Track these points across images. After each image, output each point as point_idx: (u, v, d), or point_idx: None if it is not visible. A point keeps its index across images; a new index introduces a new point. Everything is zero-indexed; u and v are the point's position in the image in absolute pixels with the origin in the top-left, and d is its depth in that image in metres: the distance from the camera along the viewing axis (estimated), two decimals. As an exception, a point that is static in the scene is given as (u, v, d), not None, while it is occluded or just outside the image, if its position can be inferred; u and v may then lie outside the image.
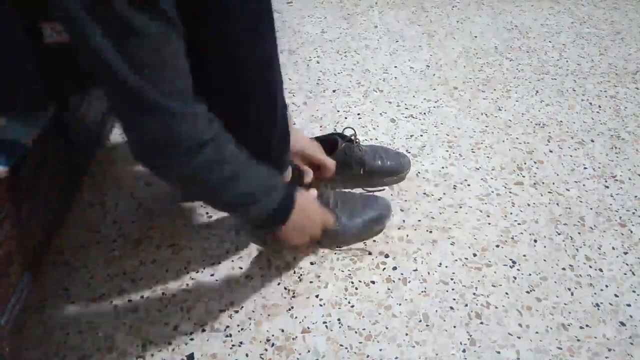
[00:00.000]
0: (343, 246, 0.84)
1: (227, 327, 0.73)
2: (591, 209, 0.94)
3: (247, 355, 0.70)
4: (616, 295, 0.79)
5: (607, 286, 0.80)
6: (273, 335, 0.72)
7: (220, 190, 0.59)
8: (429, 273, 0.81)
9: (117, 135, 1.08)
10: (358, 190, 0.95)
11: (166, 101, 0.50)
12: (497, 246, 0.86)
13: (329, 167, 0.86)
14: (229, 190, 0.60)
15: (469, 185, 0.99)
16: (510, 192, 0.97)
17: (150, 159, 0.55)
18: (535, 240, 0.88)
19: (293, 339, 0.72)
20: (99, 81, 0.50)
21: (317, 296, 0.77)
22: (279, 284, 0.79)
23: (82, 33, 0.46)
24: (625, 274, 0.83)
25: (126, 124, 0.53)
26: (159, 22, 0.47)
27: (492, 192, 0.97)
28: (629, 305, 0.78)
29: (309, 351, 0.70)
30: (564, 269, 0.83)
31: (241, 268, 0.81)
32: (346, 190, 0.90)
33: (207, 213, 0.91)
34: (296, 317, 0.74)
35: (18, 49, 0.61)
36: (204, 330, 0.73)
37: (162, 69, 0.49)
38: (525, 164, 1.04)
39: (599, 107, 1.22)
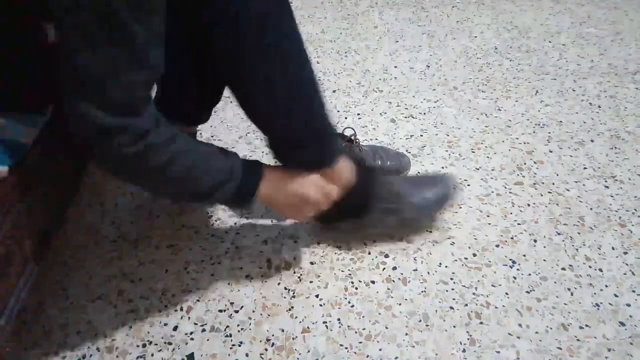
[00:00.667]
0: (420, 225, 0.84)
1: (227, 327, 0.73)
2: (591, 209, 0.94)
3: (247, 355, 0.69)
4: (616, 295, 0.79)
5: (606, 286, 0.80)
6: (273, 335, 0.72)
7: (177, 188, 0.61)
8: (428, 273, 0.81)
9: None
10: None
11: (107, 120, 0.51)
12: (497, 246, 0.86)
13: None
14: (185, 186, 0.61)
15: (468, 185, 0.99)
16: (510, 192, 0.97)
17: (97, 158, 0.58)
18: (535, 240, 0.88)
19: (293, 338, 0.72)
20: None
21: (317, 296, 0.77)
22: (279, 283, 0.79)
23: (63, 33, 0.47)
24: (625, 274, 0.83)
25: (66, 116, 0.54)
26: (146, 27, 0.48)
27: (492, 192, 0.97)
28: (628, 305, 0.78)
29: (309, 351, 0.70)
30: (563, 269, 0.83)
31: (241, 268, 0.81)
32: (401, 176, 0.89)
33: (206, 213, 0.91)
34: (296, 317, 0.74)
35: (20, 48, 0.61)
36: (204, 330, 0.73)
37: (111, 80, 0.50)
38: (525, 164, 1.04)
39: (599, 107, 1.22)
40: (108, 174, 0.68)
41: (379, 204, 0.78)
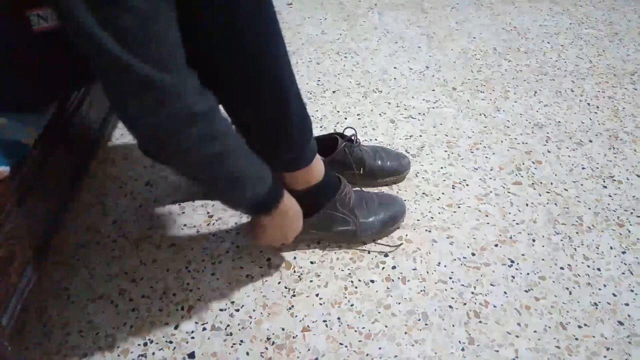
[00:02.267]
0: (362, 245, 0.85)
1: (228, 325, 0.73)
2: (589, 208, 0.95)
3: (247, 353, 0.70)
4: (614, 295, 0.79)
5: (605, 285, 0.81)
6: (273, 334, 0.72)
7: (209, 167, 0.59)
8: (428, 272, 0.82)
9: (117, 135, 1.09)
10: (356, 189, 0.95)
11: (155, 74, 0.49)
12: (496, 246, 0.87)
13: None
14: (217, 167, 0.59)
15: (467, 185, 0.99)
16: (508, 192, 0.98)
17: (143, 134, 0.56)
18: (534, 240, 0.88)
19: (293, 337, 0.72)
20: (91, 61, 0.50)
21: (317, 295, 0.78)
22: (279, 283, 0.79)
23: (68, 11, 0.46)
24: (623, 273, 0.83)
25: (117, 102, 0.53)
26: None
27: (491, 192, 0.98)
28: (627, 304, 0.78)
29: (309, 350, 0.70)
30: (562, 268, 0.83)
31: (242, 267, 0.82)
32: (365, 189, 0.90)
33: (207, 213, 0.91)
34: (296, 316, 0.75)
35: (7, 41, 0.60)
36: (204, 329, 0.73)
37: (151, 42, 0.49)
38: (523, 164, 1.05)
39: (597, 107, 1.23)
40: (170, 164, 0.64)
41: (328, 209, 0.80)
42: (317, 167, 0.77)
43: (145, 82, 0.50)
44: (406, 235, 0.88)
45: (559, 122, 1.18)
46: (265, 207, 0.68)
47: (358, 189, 0.89)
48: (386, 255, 0.84)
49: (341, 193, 0.80)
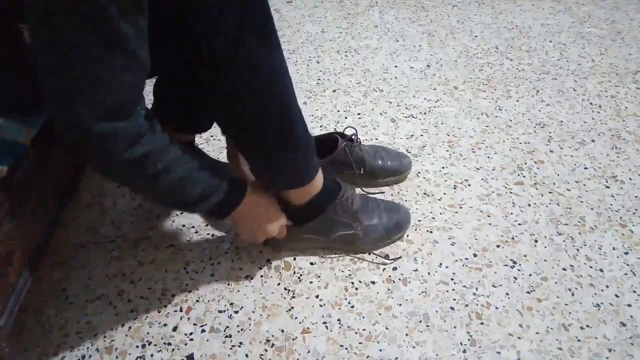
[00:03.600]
0: (363, 252, 0.83)
1: (227, 327, 0.73)
2: (592, 209, 0.94)
3: (246, 355, 0.69)
4: (617, 296, 0.79)
5: (607, 286, 0.80)
6: (273, 336, 0.72)
7: (167, 196, 0.62)
8: (429, 273, 0.81)
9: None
10: (357, 190, 0.95)
11: (99, 126, 0.50)
12: (498, 246, 0.86)
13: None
14: (175, 195, 0.62)
15: (469, 185, 0.98)
16: (510, 192, 0.97)
17: (90, 163, 0.58)
18: (536, 241, 0.88)
19: (293, 339, 0.71)
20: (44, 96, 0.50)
21: (317, 296, 0.77)
22: (278, 284, 0.79)
23: (33, 36, 0.46)
24: (625, 274, 0.82)
25: (60, 133, 0.53)
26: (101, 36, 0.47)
27: (493, 192, 0.97)
28: (629, 305, 0.78)
29: (309, 352, 0.70)
30: (564, 269, 0.83)
31: (241, 268, 0.81)
32: (370, 194, 0.90)
33: (206, 213, 0.91)
34: (296, 318, 0.74)
35: (2, 46, 0.60)
36: (203, 331, 0.72)
37: (98, 85, 0.49)
38: (525, 164, 1.04)
39: (600, 107, 1.22)
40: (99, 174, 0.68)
41: (328, 214, 0.78)
42: (318, 179, 0.76)
43: (84, 130, 0.50)
44: (407, 236, 0.87)
45: (561, 121, 1.17)
46: (220, 213, 0.70)
47: (363, 194, 0.88)
48: (387, 257, 0.83)
49: (342, 197, 0.78)
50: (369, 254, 0.83)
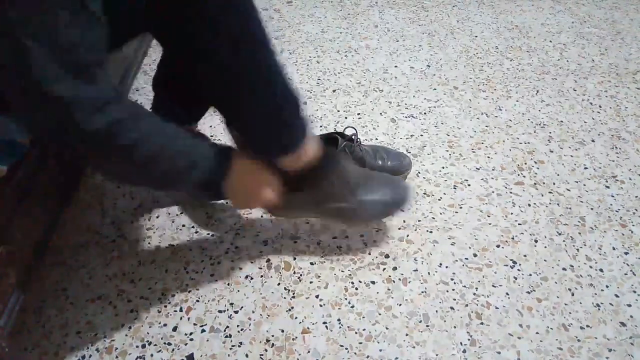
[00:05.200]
0: (361, 225, 0.81)
1: (227, 327, 0.73)
2: (592, 209, 0.94)
3: (246, 355, 0.69)
4: (617, 296, 0.79)
5: (607, 286, 0.80)
6: (273, 336, 0.72)
7: (146, 171, 0.58)
8: (429, 273, 0.81)
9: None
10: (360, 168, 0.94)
11: (58, 89, 0.46)
12: (498, 246, 0.86)
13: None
14: (155, 168, 0.58)
15: (469, 185, 0.98)
16: (510, 192, 0.97)
17: (55, 144, 0.54)
18: (536, 241, 0.88)
19: (293, 339, 0.71)
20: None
21: (317, 296, 0.77)
22: (278, 284, 0.79)
23: None
24: (625, 274, 0.82)
25: (18, 115, 0.50)
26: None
27: (493, 192, 0.97)
28: (629, 305, 0.78)
29: (309, 352, 0.70)
30: (564, 269, 0.83)
31: (241, 268, 0.81)
32: (368, 169, 0.87)
33: (206, 213, 0.91)
34: (296, 318, 0.74)
35: None
36: (203, 331, 0.72)
37: (49, 41, 0.44)
38: (525, 164, 1.04)
39: (600, 107, 1.22)
40: (74, 158, 0.64)
41: (325, 184, 0.76)
42: (310, 146, 0.74)
43: (46, 99, 0.47)
44: (407, 235, 0.87)
45: (561, 121, 1.17)
46: (210, 183, 0.66)
47: (361, 167, 0.84)
48: (387, 257, 0.83)
49: (338, 166, 0.75)
50: (369, 253, 0.83)
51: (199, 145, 0.63)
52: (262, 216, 0.90)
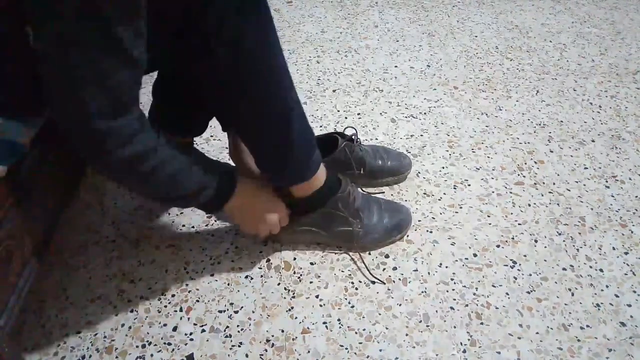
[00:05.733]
0: (362, 250, 0.83)
1: (227, 327, 0.73)
2: (592, 209, 0.94)
3: (246, 355, 0.69)
4: (617, 296, 0.79)
5: (607, 286, 0.80)
6: (273, 336, 0.72)
7: (160, 192, 0.64)
8: (429, 273, 0.81)
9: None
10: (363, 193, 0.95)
11: (99, 123, 0.53)
12: (498, 246, 0.86)
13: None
14: (168, 190, 0.64)
15: (469, 185, 0.98)
16: (510, 192, 0.97)
17: (87, 159, 0.60)
18: (536, 241, 0.88)
19: (293, 339, 0.71)
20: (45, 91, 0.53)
21: (317, 296, 0.77)
22: (278, 284, 0.79)
23: (36, 37, 0.49)
24: (625, 274, 0.82)
25: (64, 130, 0.56)
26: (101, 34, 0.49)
27: (493, 192, 0.97)
28: (629, 305, 0.78)
29: (309, 352, 0.70)
30: (564, 269, 0.83)
31: (241, 268, 0.81)
32: (370, 194, 0.89)
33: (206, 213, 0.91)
34: (296, 318, 0.74)
35: (5, 51, 0.61)
36: (203, 331, 0.72)
37: (95, 84, 0.51)
38: (525, 164, 1.04)
39: (600, 107, 1.22)
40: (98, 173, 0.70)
41: (329, 207, 0.79)
42: (320, 175, 0.77)
43: (85, 127, 0.53)
44: (407, 236, 0.87)
45: (561, 121, 1.17)
46: (213, 206, 0.71)
47: (365, 193, 0.88)
48: (387, 257, 0.83)
49: (343, 192, 0.79)
50: (369, 253, 0.83)
51: (208, 171, 0.68)
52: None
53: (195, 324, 0.73)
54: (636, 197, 0.97)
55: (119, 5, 0.48)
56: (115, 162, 0.57)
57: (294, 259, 0.83)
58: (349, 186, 0.80)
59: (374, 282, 0.79)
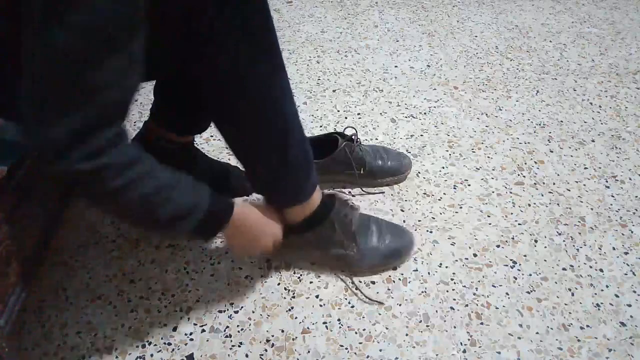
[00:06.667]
0: (357, 275, 0.80)
1: (227, 327, 0.73)
2: (592, 209, 0.94)
3: (246, 355, 0.69)
4: (617, 296, 0.79)
5: (607, 286, 0.80)
6: (273, 336, 0.72)
7: (133, 216, 0.58)
8: (429, 273, 0.81)
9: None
10: (357, 190, 0.95)
11: (74, 157, 0.48)
12: (498, 246, 0.86)
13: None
14: (141, 214, 0.57)
15: (469, 185, 0.98)
16: (510, 192, 0.97)
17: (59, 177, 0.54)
18: (536, 241, 0.88)
19: (293, 339, 0.71)
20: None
21: (317, 296, 0.77)
22: (278, 284, 0.79)
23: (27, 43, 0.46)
24: (625, 274, 0.82)
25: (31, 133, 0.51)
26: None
27: (493, 192, 0.97)
28: (629, 305, 0.78)
29: (309, 352, 0.70)
30: (564, 269, 0.83)
31: (241, 268, 0.81)
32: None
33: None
34: (296, 318, 0.74)
35: (5, 52, 0.60)
36: (203, 331, 0.72)
37: (88, 99, 0.47)
38: (525, 164, 1.04)
39: (600, 107, 1.22)
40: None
41: (325, 228, 0.75)
42: (315, 198, 0.75)
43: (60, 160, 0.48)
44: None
45: (561, 121, 1.17)
46: (203, 234, 0.65)
47: (366, 214, 0.83)
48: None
49: (339, 213, 0.76)
50: (366, 297, 0.78)
51: (194, 195, 0.61)
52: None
53: (195, 324, 0.73)
54: (636, 197, 0.97)
55: (120, 20, 0.46)
56: (75, 174, 0.50)
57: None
58: (347, 208, 0.77)
59: (371, 302, 0.77)
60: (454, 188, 0.97)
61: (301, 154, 0.71)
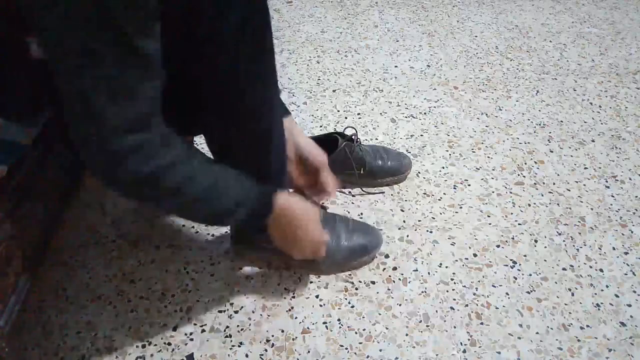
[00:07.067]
0: (324, 274, 0.79)
1: (227, 327, 0.73)
2: (592, 209, 0.94)
3: (246, 355, 0.69)
4: (617, 296, 0.79)
5: (607, 286, 0.80)
6: (273, 336, 0.72)
7: (191, 210, 0.59)
8: (429, 273, 0.81)
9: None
10: (357, 190, 0.95)
11: (118, 137, 0.49)
12: (498, 246, 0.86)
13: (326, 186, 0.75)
14: (199, 208, 0.58)
15: (469, 185, 0.98)
16: (510, 192, 0.97)
17: (105, 179, 0.55)
18: (536, 241, 0.88)
19: (293, 339, 0.71)
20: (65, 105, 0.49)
21: (317, 296, 0.77)
22: (278, 284, 0.79)
23: (51, 48, 0.46)
24: (625, 274, 0.82)
25: (83, 155, 0.52)
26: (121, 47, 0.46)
27: (493, 192, 0.97)
28: (629, 305, 0.78)
29: (309, 352, 0.70)
30: (564, 269, 0.83)
31: (241, 268, 0.81)
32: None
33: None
34: (296, 318, 0.74)
35: (5, 60, 0.59)
36: (203, 331, 0.72)
37: (118, 98, 0.47)
38: (525, 164, 1.04)
39: (600, 107, 1.22)
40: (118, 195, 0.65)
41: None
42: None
43: (105, 145, 0.49)
44: (407, 236, 0.87)
45: (561, 121, 1.17)
46: (253, 223, 0.65)
47: (330, 213, 0.81)
48: (387, 257, 0.83)
49: None
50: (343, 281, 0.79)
51: (244, 185, 0.62)
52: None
53: (195, 324, 0.73)
54: (636, 197, 0.97)
55: (134, 12, 0.45)
56: (140, 180, 0.52)
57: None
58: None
59: (372, 284, 0.78)
60: (454, 188, 0.97)
61: (283, 156, 0.71)
